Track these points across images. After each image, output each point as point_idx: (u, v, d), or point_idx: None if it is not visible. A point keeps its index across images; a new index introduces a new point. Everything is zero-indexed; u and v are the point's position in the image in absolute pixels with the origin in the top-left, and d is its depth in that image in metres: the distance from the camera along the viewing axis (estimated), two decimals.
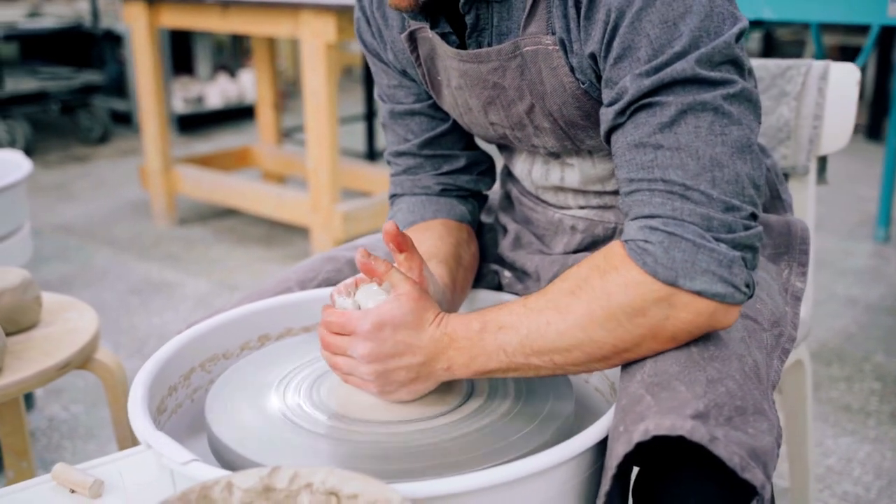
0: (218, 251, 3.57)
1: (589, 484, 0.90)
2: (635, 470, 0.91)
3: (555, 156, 1.16)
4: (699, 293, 0.87)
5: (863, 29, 4.91)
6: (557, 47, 0.99)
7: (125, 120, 5.66)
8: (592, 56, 0.96)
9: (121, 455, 1.01)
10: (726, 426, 0.81)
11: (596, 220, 1.18)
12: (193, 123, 5.70)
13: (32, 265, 3.26)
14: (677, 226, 0.88)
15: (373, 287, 0.99)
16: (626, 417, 0.84)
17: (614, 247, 0.92)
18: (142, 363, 1.26)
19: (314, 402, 1.00)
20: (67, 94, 5.29)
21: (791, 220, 1.25)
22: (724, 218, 0.88)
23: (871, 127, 5.07)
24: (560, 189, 1.19)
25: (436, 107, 1.23)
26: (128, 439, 1.43)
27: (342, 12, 2.93)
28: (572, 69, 1.00)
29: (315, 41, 3.01)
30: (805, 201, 1.51)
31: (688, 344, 0.91)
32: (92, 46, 5.73)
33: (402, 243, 1.00)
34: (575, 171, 1.15)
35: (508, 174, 1.33)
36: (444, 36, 1.07)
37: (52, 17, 5.79)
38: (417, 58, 1.14)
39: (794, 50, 6.24)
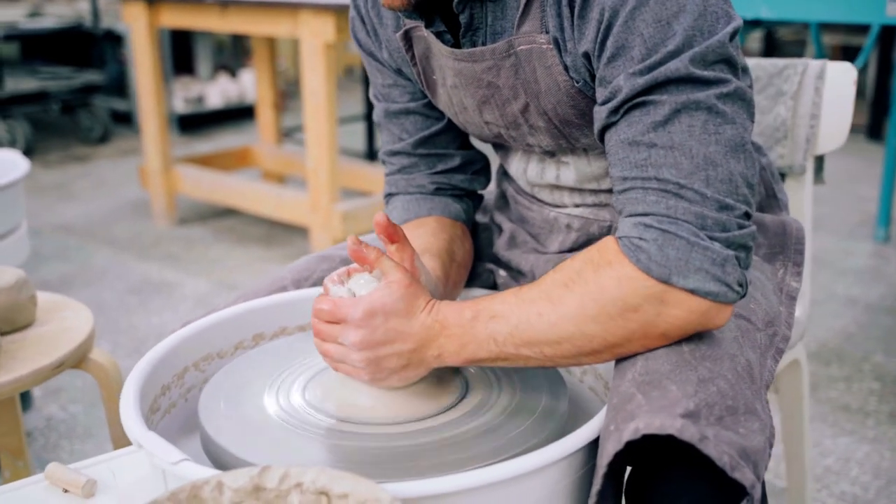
0: (217, 251, 3.57)
1: (582, 483, 0.90)
2: (630, 471, 0.91)
3: (550, 154, 1.16)
4: (692, 291, 0.87)
5: (864, 29, 4.91)
6: (551, 46, 0.99)
7: (126, 120, 5.66)
8: (586, 55, 0.96)
9: (113, 455, 1.01)
10: (717, 426, 0.81)
11: (591, 219, 1.18)
12: (194, 123, 5.70)
13: (32, 265, 3.27)
14: (671, 224, 0.88)
15: (365, 276, 0.98)
16: (617, 416, 0.84)
17: (608, 242, 0.92)
18: None
19: (308, 402, 1.00)
20: (68, 94, 5.30)
21: (786, 219, 1.24)
22: (717, 217, 0.88)
23: (872, 127, 5.07)
24: (555, 187, 1.19)
25: (430, 106, 1.23)
26: (122, 439, 1.43)
27: (341, 12, 2.93)
28: (566, 68, 1.00)
29: (314, 41, 3.01)
30: (802, 201, 1.51)
31: (680, 343, 0.91)
32: (92, 46, 5.73)
33: (394, 234, 1.00)
34: (570, 170, 1.15)
35: (504, 173, 1.33)
36: (438, 35, 1.07)
37: (53, 17, 5.80)
38: (412, 57, 1.14)
39: (795, 50, 6.24)
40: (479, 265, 1.28)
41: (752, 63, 1.50)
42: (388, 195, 1.28)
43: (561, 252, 1.20)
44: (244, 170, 4.34)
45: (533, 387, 1.03)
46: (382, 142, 1.29)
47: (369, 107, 4.56)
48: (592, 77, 0.99)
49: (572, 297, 0.90)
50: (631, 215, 0.91)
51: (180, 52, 5.80)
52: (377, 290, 0.94)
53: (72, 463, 0.99)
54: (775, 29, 5.80)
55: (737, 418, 0.83)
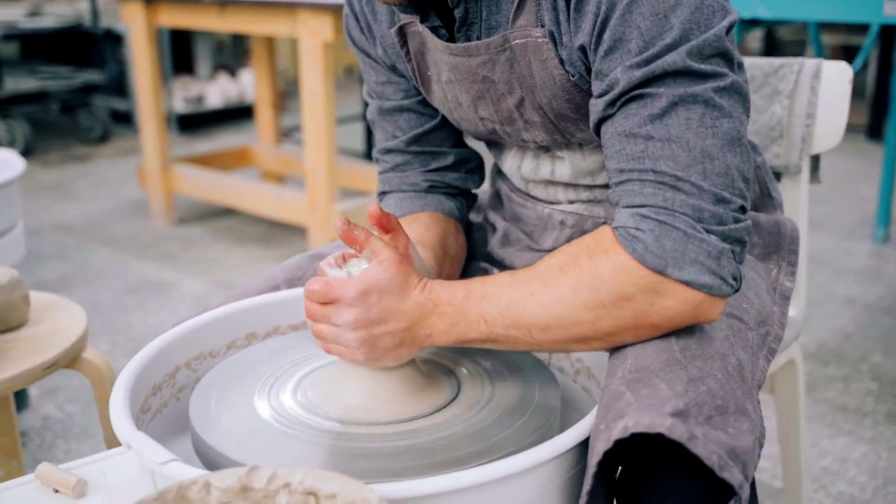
0: (216, 251, 3.56)
1: (573, 483, 0.89)
2: (620, 470, 0.90)
3: (545, 149, 1.16)
4: (687, 283, 0.87)
5: (865, 28, 4.90)
6: (547, 40, 0.99)
7: (125, 119, 5.66)
8: (582, 48, 0.96)
9: (104, 455, 1.01)
10: (706, 425, 0.81)
11: (585, 215, 1.18)
12: (194, 123, 5.70)
13: (31, 264, 3.27)
14: (668, 215, 0.88)
15: (363, 262, 0.98)
16: (607, 415, 0.83)
17: (605, 231, 0.92)
18: None
19: (299, 402, 1.00)
20: (67, 94, 5.30)
21: (781, 219, 1.24)
22: (714, 210, 0.88)
23: (872, 127, 5.06)
24: (550, 183, 1.19)
25: (424, 103, 1.23)
26: (115, 439, 1.42)
27: (339, 12, 2.93)
28: (562, 61, 1.00)
29: (312, 40, 3.01)
30: (798, 200, 1.51)
31: (670, 342, 0.91)
32: (92, 46, 5.73)
33: (388, 224, 0.98)
34: (565, 164, 1.15)
35: (498, 172, 1.33)
36: (433, 30, 1.07)
37: (53, 17, 5.79)
38: (407, 52, 1.14)
39: (795, 49, 6.22)
40: (473, 264, 1.28)
41: (749, 62, 1.49)
42: (382, 193, 1.28)
43: (555, 249, 1.20)
44: (243, 169, 4.34)
45: (525, 387, 1.03)
46: (376, 140, 1.28)
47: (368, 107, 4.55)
48: (588, 71, 0.99)
49: (566, 281, 0.90)
50: (628, 206, 0.91)
51: (180, 52, 5.79)
52: (369, 268, 0.93)
53: (70, 462, 0.99)
54: (776, 28, 5.80)
55: (726, 418, 0.83)
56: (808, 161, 1.51)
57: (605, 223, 1.16)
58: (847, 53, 5.65)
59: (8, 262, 2.05)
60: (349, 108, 5.68)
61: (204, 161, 4.06)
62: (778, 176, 1.51)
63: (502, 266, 1.25)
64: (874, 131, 5.04)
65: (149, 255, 3.50)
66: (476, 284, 0.94)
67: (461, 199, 1.28)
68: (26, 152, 4.87)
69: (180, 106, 5.60)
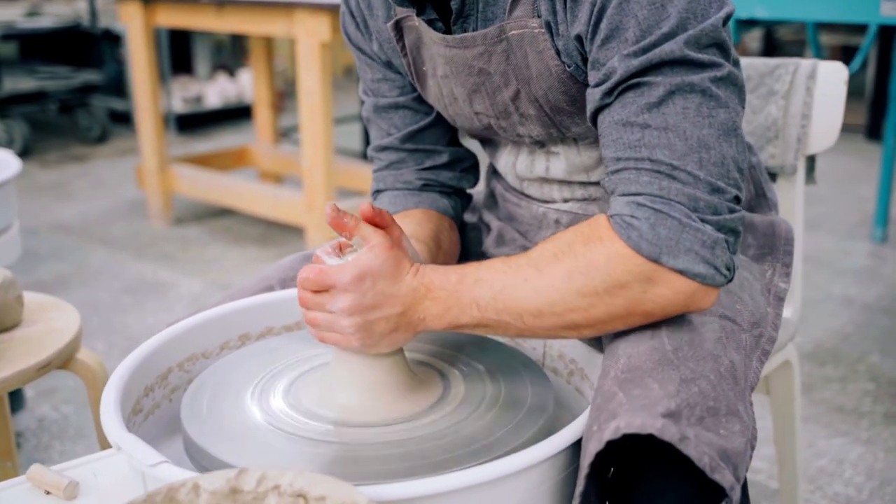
0: (214, 251, 3.56)
1: (566, 485, 0.89)
2: (613, 471, 0.90)
3: (540, 144, 1.15)
4: (681, 272, 0.88)
5: (864, 28, 4.90)
6: (543, 30, 0.99)
7: (124, 119, 5.65)
8: (579, 38, 0.96)
9: (96, 457, 1.01)
10: (697, 426, 0.81)
11: (580, 214, 1.17)
12: (193, 123, 5.69)
13: (29, 264, 3.27)
14: (664, 204, 0.88)
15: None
16: (599, 416, 0.83)
17: (600, 219, 0.92)
18: None
19: (292, 404, 0.99)
20: (66, 94, 5.29)
21: (776, 219, 1.24)
22: (709, 199, 0.88)
23: (871, 127, 5.05)
24: (545, 180, 1.19)
25: (420, 100, 1.23)
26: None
27: (337, 12, 2.91)
28: (558, 52, 1.00)
29: (310, 40, 3.01)
30: (793, 201, 1.50)
31: (663, 342, 0.91)
32: (91, 46, 5.72)
33: (381, 220, 0.97)
34: (560, 160, 1.15)
35: (493, 172, 1.32)
36: (430, 23, 1.07)
37: (51, 17, 5.79)
38: (403, 47, 1.14)
39: (795, 50, 6.22)
40: None
41: (745, 62, 1.49)
42: (376, 191, 1.28)
43: None
44: (241, 170, 4.33)
45: (518, 388, 1.03)
46: (371, 138, 1.28)
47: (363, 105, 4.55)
48: (584, 61, 0.99)
49: (560, 267, 0.90)
50: (623, 194, 0.91)
51: (179, 52, 5.79)
52: (362, 254, 0.92)
53: (62, 464, 0.99)
54: (775, 29, 5.79)
55: (718, 419, 0.83)
56: (804, 162, 1.51)
57: None
58: (847, 54, 5.64)
59: (4, 262, 2.05)
60: (347, 108, 5.67)
61: (202, 161, 4.06)
62: (773, 177, 1.51)
63: None
64: (873, 131, 5.03)
65: (146, 256, 3.50)
66: (470, 269, 0.94)
67: (455, 199, 1.28)
68: (25, 152, 4.86)
69: (179, 106, 5.60)
